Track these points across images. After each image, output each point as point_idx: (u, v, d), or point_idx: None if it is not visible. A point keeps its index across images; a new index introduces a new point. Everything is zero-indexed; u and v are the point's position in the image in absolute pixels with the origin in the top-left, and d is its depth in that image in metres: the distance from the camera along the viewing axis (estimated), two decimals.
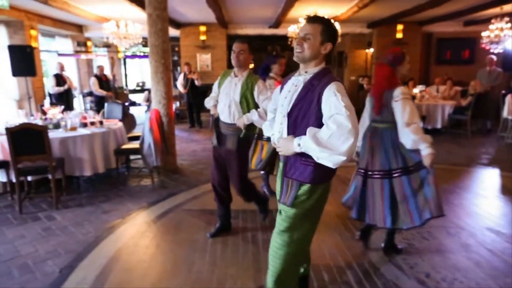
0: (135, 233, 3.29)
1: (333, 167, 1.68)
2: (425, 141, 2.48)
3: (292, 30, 7.94)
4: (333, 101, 1.67)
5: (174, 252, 2.92)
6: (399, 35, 10.13)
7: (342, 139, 1.59)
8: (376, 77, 2.80)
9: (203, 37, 10.01)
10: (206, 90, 9.00)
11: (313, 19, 1.78)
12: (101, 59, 11.61)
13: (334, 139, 1.60)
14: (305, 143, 1.68)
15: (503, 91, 7.51)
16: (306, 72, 1.83)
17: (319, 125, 1.71)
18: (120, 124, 5.07)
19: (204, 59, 10.19)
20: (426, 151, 2.48)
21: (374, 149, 2.71)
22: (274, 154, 2.26)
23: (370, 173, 2.73)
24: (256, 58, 16.28)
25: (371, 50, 10.97)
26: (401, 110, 2.53)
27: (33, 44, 7.37)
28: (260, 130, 2.88)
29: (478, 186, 4.61)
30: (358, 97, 9.54)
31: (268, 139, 2.52)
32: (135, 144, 4.81)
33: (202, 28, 9.96)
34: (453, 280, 2.51)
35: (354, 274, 2.58)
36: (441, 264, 2.72)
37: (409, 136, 2.50)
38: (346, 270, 2.63)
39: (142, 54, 12.72)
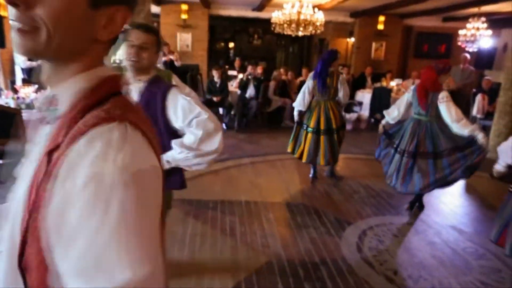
0: None
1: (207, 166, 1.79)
2: (477, 129, 3.24)
3: (276, 16, 7.85)
4: (184, 105, 1.67)
5: None
6: (380, 27, 10.23)
7: (212, 139, 1.66)
8: (423, 78, 3.52)
9: (184, 16, 9.74)
10: (186, 70, 8.86)
11: (148, 29, 1.75)
12: None
13: (204, 142, 1.65)
14: (174, 158, 1.68)
15: (474, 90, 7.81)
16: (139, 80, 1.77)
17: (169, 132, 1.71)
18: None
19: (184, 39, 9.96)
20: (480, 136, 3.20)
21: (419, 136, 3.45)
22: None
23: (407, 153, 3.49)
24: (238, 39, 16.20)
25: (352, 39, 11.05)
26: (447, 110, 3.29)
27: (2, 13, 6.95)
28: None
29: None
30: None
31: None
32: None
33: (184, 7, 9.68)
34: (418, 278, 2.69)
35: (328, 270, 2.71)
36: (408, 262, 2.89)
37: (463, 129, 3.24)
38: (320, 266, 2.75)
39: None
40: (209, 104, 7.15)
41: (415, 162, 3.47)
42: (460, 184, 4.73)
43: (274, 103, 7.48)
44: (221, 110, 7.68)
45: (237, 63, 9.84)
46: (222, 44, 13.45)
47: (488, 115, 6.88)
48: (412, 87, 3.73)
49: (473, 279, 2.72)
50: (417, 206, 3.82)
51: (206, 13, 10.02)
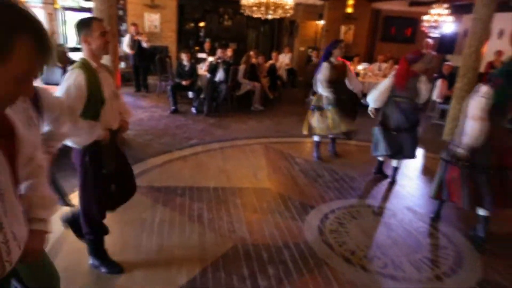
0: None
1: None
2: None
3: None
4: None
5: (122, 232, 3.01)
6: (349, 10, 10.36)
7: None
8: (398, 69, 4.07)
9: None
10: (154, 52, 8.68)
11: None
12: (35, 12, 10.53)
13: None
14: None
15: (435, 75, 8.14)
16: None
17: None
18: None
19: (152, 19, 9.71)
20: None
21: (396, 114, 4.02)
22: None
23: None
24: (209, 19, 15.89)
25: (322, 22, 11.13)
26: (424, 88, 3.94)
27: None
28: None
29: (405, 167, 5.13)
30: (306, 70, 9.77)
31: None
32: None
33: None
34: (373, 257, 2.91)
35: (290, 253, 2.87)
36: (365, 242, 3.11)
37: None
38: (283, 249, 2.92)
39: (83, 8, 11.72)
40: (178, 88, 7.12)
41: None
42: (417, 167, 5.04)
43: (244, 86, 7.52)
44: (190, 94, 7.65)
45: (207, 45, 9.74)
46: (192, 24, 13.17)
47: (447, 99, 7.22)
48: (392, 73, 4.22)
49: (422, 256, 2.97)
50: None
51: None
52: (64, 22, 12.64)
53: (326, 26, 10.65)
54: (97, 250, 2.51)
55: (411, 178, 4.63)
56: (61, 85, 2.06)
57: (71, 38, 12.80)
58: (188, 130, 5.96)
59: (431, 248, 3.11)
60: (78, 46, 12.51)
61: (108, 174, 2.32)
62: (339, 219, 3.46)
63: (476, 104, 2.91)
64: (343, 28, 10.64)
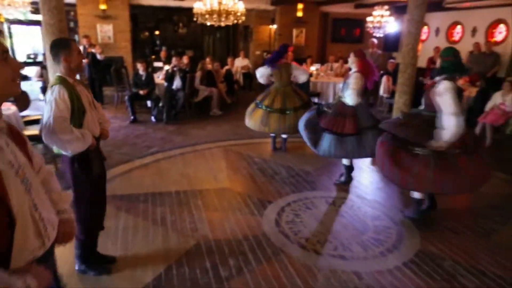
0: None
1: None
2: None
3: (197, 7, 7.96)
4: None
5: None
6: (299, 14, 10.81)
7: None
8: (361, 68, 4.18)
9: (103, 6, 9.40)
10: (109, 63, 8.64)
11: None
12: None
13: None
14: None
15: (382, 72, 8.71)
16: None
17: None
18: (13, 108, 4.77)
19: (105, 30, 9.64)
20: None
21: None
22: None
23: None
24: (163, 28, 15.83)
25: (274, 26, 11.52)
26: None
27: None
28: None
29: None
30: None
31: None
32: (34, 130, 4.61)
33: None
34: (325, 242, 3.19)
35: (249, 244, 3.10)
36: (318, 229, 3.39)
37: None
38: (243, 242, 3.14)
39: (30, 21, 11.39)
40: (136, 98, 7.17)
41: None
42: (366, 159, 5.42)
43: (201, 93, 7.68)
44: (148, 103, 7.72)
45: (163, 54, 9.80)
46: (147, 33, 13.13)
47: (393, 94, 7.77)
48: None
49: (368, 237, 3.30)
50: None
51: (126, 2, 9.78)
52: (11, 35, 12.21)
53: (279, 30, 11.04)
54: (86, 254, 2.65)
55: (360, 168, 5.00)
56: (48, 103, 2.24)
57: (20, 52, 12.39)
58: (148, 138, 6.05)
59: (376, 229, 3.45)
60: (29, 60, 12.09)
61: (98, 177, 2.56)
62: (294, 211, 3.73)
63: (450, 100, 3.06)
64: (295, 32, 11.07)
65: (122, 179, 4.40)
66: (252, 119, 5.35)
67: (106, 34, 9.70)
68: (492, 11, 9.24)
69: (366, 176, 4.82)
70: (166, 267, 2.76)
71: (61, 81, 2.28)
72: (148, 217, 3.52)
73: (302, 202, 3.94)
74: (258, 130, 5.38)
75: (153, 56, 12.08)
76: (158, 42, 13.60)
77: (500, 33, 9.23)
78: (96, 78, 8.43)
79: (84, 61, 8.24)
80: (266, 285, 2.61)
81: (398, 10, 10.34)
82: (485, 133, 5.97)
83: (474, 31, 9.86)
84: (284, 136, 5.54)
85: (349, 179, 4.45)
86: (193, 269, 2.76)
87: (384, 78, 7.93)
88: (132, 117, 7.04)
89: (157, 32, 13.33)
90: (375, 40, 9.32)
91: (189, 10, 9.76)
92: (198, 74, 7.72)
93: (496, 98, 6.07)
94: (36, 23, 10.82)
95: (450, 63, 3.22)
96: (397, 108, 6.70)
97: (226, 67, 9.22)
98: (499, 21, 9.22)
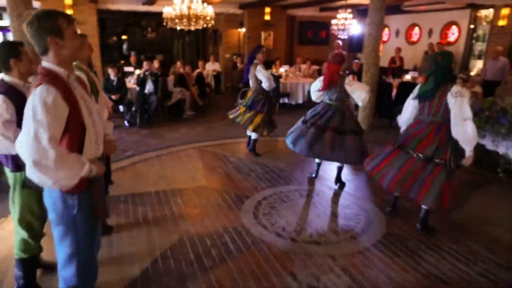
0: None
1: None
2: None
3: (167, 11, 8.04)
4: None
5: None
6: (267, 17, 11.09)
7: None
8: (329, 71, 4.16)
9: (69, 12, 9.26)
10: None
11: None
12: None
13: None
14: None
15: (348, 72, 9.13)
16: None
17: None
18: None
19: None
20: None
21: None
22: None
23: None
24: (132, 32, 15.62)
25: (243, 29, 11.75)
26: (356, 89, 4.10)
27: None
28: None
29: None
30: (232, 75, 10.30)
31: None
32: None
33: (68, 1, 9.20)
34: (300, 230, 3.42)
35: (230, 236, 3.28)
36: (294, 219, 3.62)
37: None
38: (224, 234, 3.31)
39: None
40: None
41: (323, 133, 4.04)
42: None
43: (175, 96, 7.77)
44: (121, 108, 7.72)
45: (133, 59, 9.80)
46: (115, 38, 13.00)
47: None
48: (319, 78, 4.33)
49: (340, 224, 3.56)
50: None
51: (93, 7, 9.67)
52: None
53: (248, 33, 11.27)
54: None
55: (330, 162, 5.27)
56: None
57: None
58: (123, 142, 6.08)
59: (347, 216, 3.72)
60: None
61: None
62: (271, 204, 3.94)
63: (467, 105, 3.01)
64: (263, 34, 11.34)
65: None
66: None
67: None
68: (445, 14, 9.90)
69: (336, 168, 5.10)
70: (152, 260, 2.89)
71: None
72: (130, 216, 3.62)
73: (277, 196, 4.16)
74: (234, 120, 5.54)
75: (122, 61, 11.99)
76: (126, 47, 13.49)
77: (453, 34, 9.91)
78: None
79: None
80: (248, 271, 2.80)
81: (360, 13, 10.85)
82: None
83: (430, 32, 10.51)
84: (249, 134, 5.55)
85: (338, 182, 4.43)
86: (178, 261, 2.90)
87: (350, 78, 8.32)
88: None
89: (125, 37, 13.22)
90: (340, 42, 9.75)
91: (158, 14, 9.79)
92: (171, 78, 7.81)
93: None
94: (5, 29, 10.51)
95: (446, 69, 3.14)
96: (362, 106, 7.08)
97: (197, 70, 9.34)
98: (452, 23, 9.90)
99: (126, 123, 7.26)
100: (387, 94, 7.40)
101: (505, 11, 8.39)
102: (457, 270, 2.86)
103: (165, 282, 2.66)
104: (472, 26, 9.56)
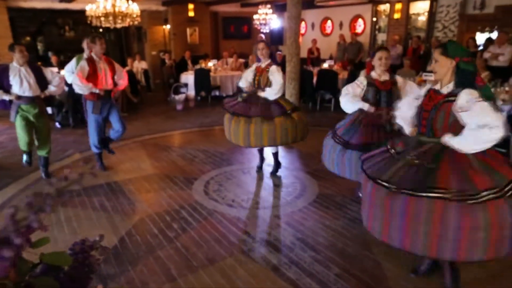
0: None
1: None
2: None
3: (89, 8, 7.91)
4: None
5: (33, 236, 3.28)
6: (191, 14, 11.35)
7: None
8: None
9: None
10: None
11: None
12: None
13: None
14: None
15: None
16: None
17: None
18: None
19: None
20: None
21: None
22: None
23: None
24: (48, 32, 14.79)
25: (168, 26, 11.86)
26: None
27: None
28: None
29: None
30: (162, 71, 10.42)
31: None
32: None
33: None
34: (248, 199, 3.92)
35: (186, 211, 3.66)
36: (240, 192, 4.10)
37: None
38: (181, 210, 3.68)
39: None
40: None
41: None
42: None
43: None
44: (49, 110, 7.47)
45: (54, 59, 9.39)
46: (28, 38, 12.15)
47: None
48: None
49: (280, 191, 4.14)
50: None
51: (3, 5, 9.09)
52: None
53: (173, 29, 11.42)
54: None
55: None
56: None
57: None
58: (60, 143, 6.01)
59: (286, 184, 4.31)
60: None
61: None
62: (218, 182, 4.38)
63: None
64: (188, 31, 11.58)
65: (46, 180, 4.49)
66: None
67: None
68: (352, 8, 11.12)
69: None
70: (119, 239, 3.17)
71: None
72: (87, 206, 3.80)
73: (223, 175, 4.61)
74: None
75: (39, 63, 11.32)
76: (41, 47, 12.70)
77: (359, 26, 11.18)
78: None
79: None
80: (208, 235, 3.23)
81: (279, 8, 11.65)
82: None
83: (341, 25, 11.70)
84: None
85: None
86: (143, 236, 3.22)
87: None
88: None
89: (40, 37, 12.41)
90: (263, 36, 10.41)
91: (76, 12, 9.54)
92: None
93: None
94: None
95: (473, 67, 2.23)
96: (289, 93, 7.81)
97: (127, 68, 9.30)
98: (358, 16, 11.15)
99: (57, 124, 7.08)
100: (309, 80, 8.22)
101: (398, 6, 9.77)
102: None
103: (135, 253, 2.98)
104: (374, 19, 10.89)
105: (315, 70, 8.76)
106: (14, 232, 0.49)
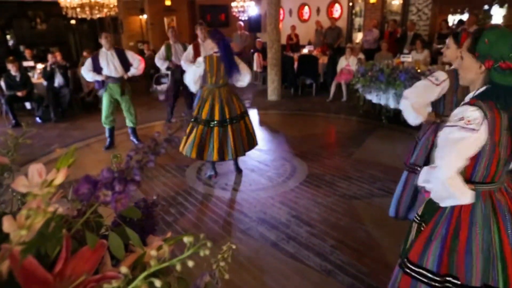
0: None
1: None
2: None
3: (65, 0, 7.70)
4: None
5: None
6: (168, 3, 11.21)
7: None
8: None
9: None
10: None
11: None
12: None
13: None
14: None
15: (252, 50, 9.89)
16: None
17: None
18: None
19: None
20: None
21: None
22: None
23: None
24: (18, 25, 14.23)
25: (145, 16, 11.68)
26: None
27: None
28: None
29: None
30: None
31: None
32: None
33: None
34: (240, 182, 4.05)
35: (182, 196, 3.74)
36: (233, 176, 4.22)
37: None
38: (176, 196, 3.76)
39: None
40: (14, 100, 6.78)
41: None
42: (255, 121, 6.44)
43: (87, 86, 7.63)
44: (27, 105, 7.33)
45: (28, 53, 9.12)
46: None
47: (264, 68, 9.00)
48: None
49: (272, 173, 4.27)
50: None
51: None
52: None
53: (150, 19, 11.26)
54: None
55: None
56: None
57: None
58: (43, 138, 5.93)
59: (276, 167, 4.45)
60: None
61: None
62: (209, 169, 4.47)
63: None
64: (166, 20, 11.45)
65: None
66: None
67: None
68: None
69: (258, 135, 5.83)
70: None
71: None
72: None
73: (216, 163, 4.69)
74: None
75: (11, 57, 10.96)
76: (12, 40, 12.24)
77: (336, 11, 11.31)
78: None
79: None
80: (206, 217, 3.34)
81: None
82: (342, 89, 7.61)
83: (318, 10, 11.80)
84: None
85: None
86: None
87: (256, 55, 9.09)
88: (13, 121, 6.65)
89: (9, 31, 11.95)
90: (241, 23, 10.42)
91: (48, 3, 9.24)
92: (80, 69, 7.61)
93: (342, 62, 7.72)
94: None
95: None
96: (271, 79, 7.91)
97: None
98: (335, 2, 11.27)
99: (38, 119, 6.95)
100: (290, 66, 8.33)
101: None
102: (363, 189, 3.80)
103: None
104: (351, 4, 11.04)
105: (296, 56, 8.87)
106: (137, 169, 0.58)
